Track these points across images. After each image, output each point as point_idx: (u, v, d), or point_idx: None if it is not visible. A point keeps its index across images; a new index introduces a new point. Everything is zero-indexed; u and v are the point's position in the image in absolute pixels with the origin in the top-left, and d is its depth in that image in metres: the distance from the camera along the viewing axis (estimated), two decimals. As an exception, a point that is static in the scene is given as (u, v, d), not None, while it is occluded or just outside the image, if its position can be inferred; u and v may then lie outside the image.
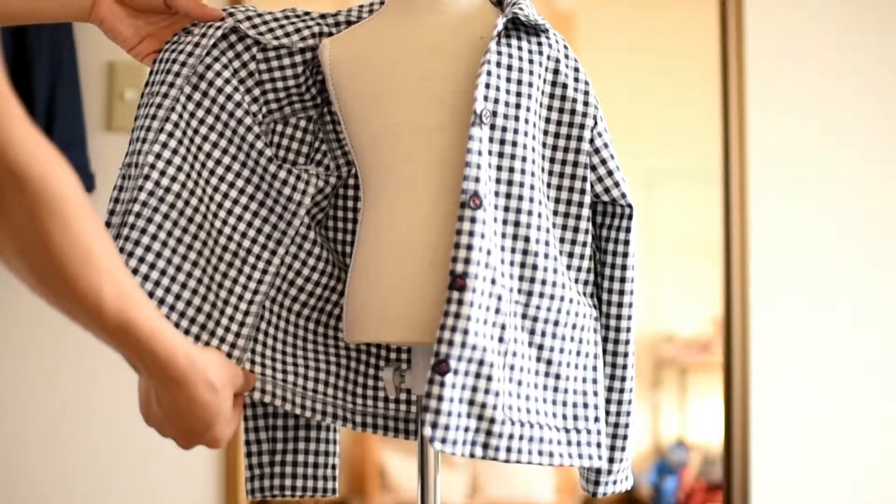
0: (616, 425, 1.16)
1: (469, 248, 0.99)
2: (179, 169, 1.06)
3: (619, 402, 1.15)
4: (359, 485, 3.65)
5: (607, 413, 1.15)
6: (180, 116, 1.07)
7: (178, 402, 0.93)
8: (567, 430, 1.07)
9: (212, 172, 1.09)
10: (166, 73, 1.08)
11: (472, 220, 0.99)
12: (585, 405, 1.09)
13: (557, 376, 1.07)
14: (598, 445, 1.10)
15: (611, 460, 1.16)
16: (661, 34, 3.40)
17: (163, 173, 1.05)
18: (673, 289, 3.82)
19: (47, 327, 2.05)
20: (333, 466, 1.22)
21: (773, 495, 2.06)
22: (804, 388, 2.07)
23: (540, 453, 1.04)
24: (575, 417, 1.08)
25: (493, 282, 1.01)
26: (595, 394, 1.10)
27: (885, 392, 2.08)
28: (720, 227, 2.10)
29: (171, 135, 1.06)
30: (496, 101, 1.05)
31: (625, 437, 1.16)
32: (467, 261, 0.98)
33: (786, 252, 2.09)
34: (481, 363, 0.99)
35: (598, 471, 1.16)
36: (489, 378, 1.00)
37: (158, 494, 2.02)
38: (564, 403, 1.08)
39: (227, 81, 1.10)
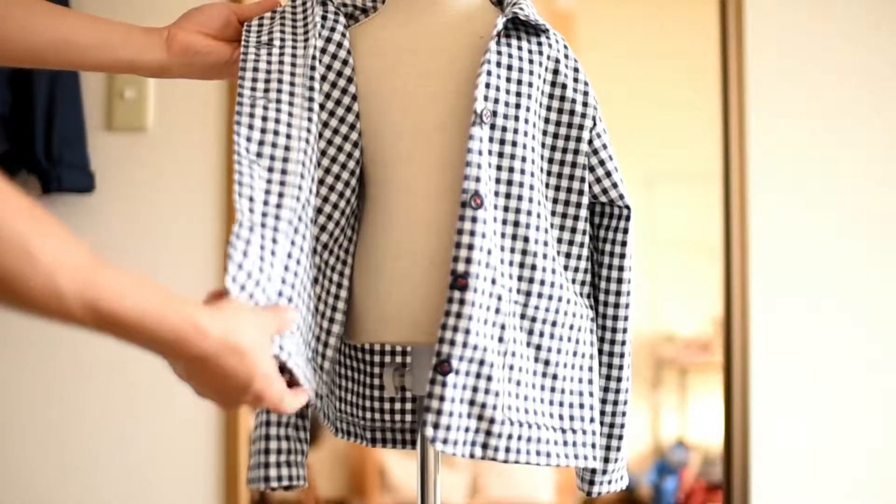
0: (612, 425, 1.16)
1: (470, 247, 0.99)
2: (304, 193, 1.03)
3: (615, 403, 1.15)
4: (359, 485, 3.65)
5: (603, 413, 1.15)
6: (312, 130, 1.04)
7: (202, 376, 0.86)
8: (563, 431, 1.08)
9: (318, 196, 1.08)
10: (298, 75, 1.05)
11: (474, 220, 0.99)
12: (581, 405, 1.09)
13: (555, 376, 1.07)
14: (594, 446, 1.10)
15: (606, 460, 1.16)
16: (661, 34, 3.40)
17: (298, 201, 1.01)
18: (673, 289, 3.82)
19: (46, 328, 2.05)
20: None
21: (773, 495, 2.06)
22: (804, 388, 2.07)
23: (538, 453, 1.04)
24: (571, 417, 1.08)
25: (494, 281, 1.01)
26: (591, 394, 1.10)
27: (886, 392, 2.08)
28: (720, 227, 2.10)
29: (308, 174, 1.01)
30: (496, 100, 1.05)
31: (620, 438, 1.16)
32: (469, 260, 0.99)
33: (786, 252, 2.09)
34: (482, 363, 0.99)
35: (594, 470, 1.16)
36: (489, 378, 1.00)
37: (158, 494, 2.02)
38: (561, 403, 1.08)
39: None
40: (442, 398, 0.97)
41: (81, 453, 2.03)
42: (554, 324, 1.07)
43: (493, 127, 1.05)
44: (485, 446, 1.00)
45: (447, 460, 3.38)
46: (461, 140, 1.06)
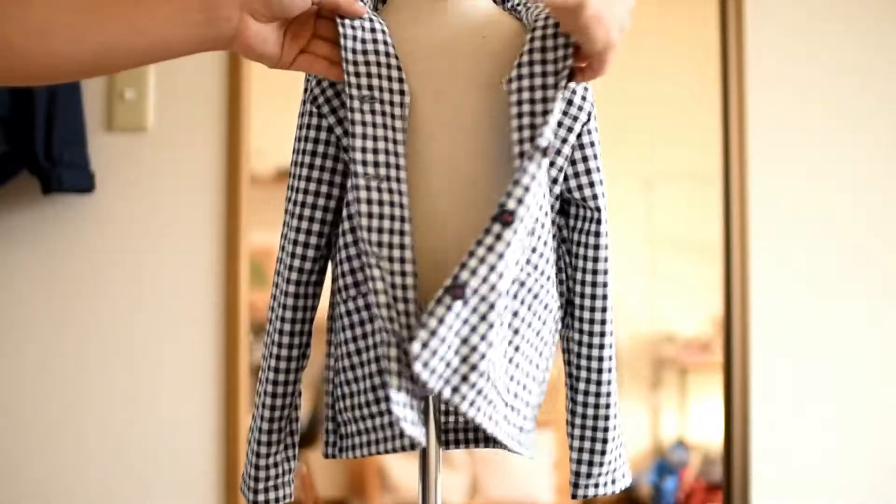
0: (594, 428, 1.14)
1: (527, 189, 0.96)
2: None
3: (597, 406, 1.14)
4: (359, 485, 3.65)
5: (584, 416, 1.14)
6: None
7: None
8: (506, 404, 1.05)
9: None
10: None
11: (539, 165, 0.97)
12: (525, 386, 1.07)
13: (517, 348, 1.05)
14: (521, 430, 1.07)
15: (590, 463, 1.15)
16: (660, 34, 3.40)
17: None
18: (673, 289, 3.81)
19: (47, 327, 2.05)
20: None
21: (773, 495, 2.06)
22: (804, 388, 2.07)
23: (489, 418, 1.01)
24: (515, 395, 1.06)
25: (532, 232, 1.00)
26: (534, 379, 1.08)
27: (885, 392, 2.08)
28: (720, 227, 2.10)
29: None
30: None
31: (604, 441, 1.14)
32: (520, 200, 0.96)
33: (786, 252, 2.09)
34: (492, 307, 0.97)
35: (577, 472, 1.15)
36: (491, 326, 0.97)
37: (158, 494, 2.02)
38: (512, 378, 1.05)
39: None
40: (441, 321, 0.94)
41: (82, 453, 2.03)
42: (535, 296, 1.06)
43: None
44: (455, 390, 0.96)
45: (447, 460, 3.38)
46: (462, 140, 1.06)
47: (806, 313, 2.08)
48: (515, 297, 1.04)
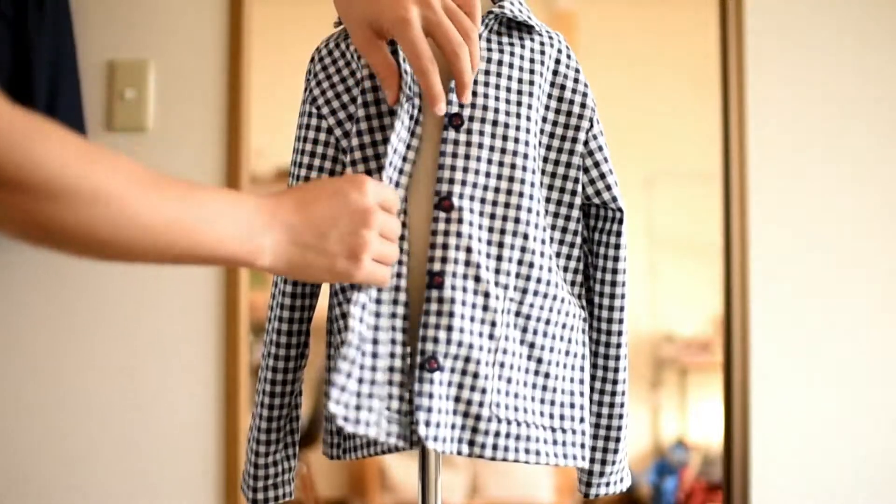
0: (608, 427, 1.16)
1: (444, 247, 1.01)
2: None
3: (612, 405, 1.15)
4: (359, 485, 3.65)
5: (599, 415, 1.15)
6: None
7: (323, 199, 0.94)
8: (553, 430, 1.08)
9: None
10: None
11: (447, 221, 1.01)
12: (572, 405, 1.10)
13: (547, 375, 1.08)
14: (583, 446, 1.10)
15: (603, 462, 1.16)
16: (661, 34, 3.40)
17: None
18: (673, 289, 3.81)
19: (47, 327, 2.04)
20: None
21: (773, 495, 2.06)
22: (804, 388, 2.07)
23: (527, 451, 1.04)
24: (562, 417, 1.09)
25: (478, 279, 1.01)
26: (581, 394, 1.11)
27: (886, 392, 2.08)
28: (720, 227, 2.10)
29: None
30: (486, 96, 1.06)
31: (617, 440, 1.16)
32: (444, 259, 1.00)
33: (786, 252, 2.09)
34: (468, 360, 1.00)
35: (591, 472, 1.16)
36: (476, 375, 1.00)
37: (158, 494, 2.02)
38: (552, 403, 1.08)
39: None
40: (430, 395, 0.98)
41: (82, 453, 2.03)
42: (547, 322, 1.07)
43: (495, 123, 1.05)
44: (471, 443, 1.01)
45: (447, 460, 3.38)
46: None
47: (806, 313, 2.08)
48: (525, 330, 1.06)
